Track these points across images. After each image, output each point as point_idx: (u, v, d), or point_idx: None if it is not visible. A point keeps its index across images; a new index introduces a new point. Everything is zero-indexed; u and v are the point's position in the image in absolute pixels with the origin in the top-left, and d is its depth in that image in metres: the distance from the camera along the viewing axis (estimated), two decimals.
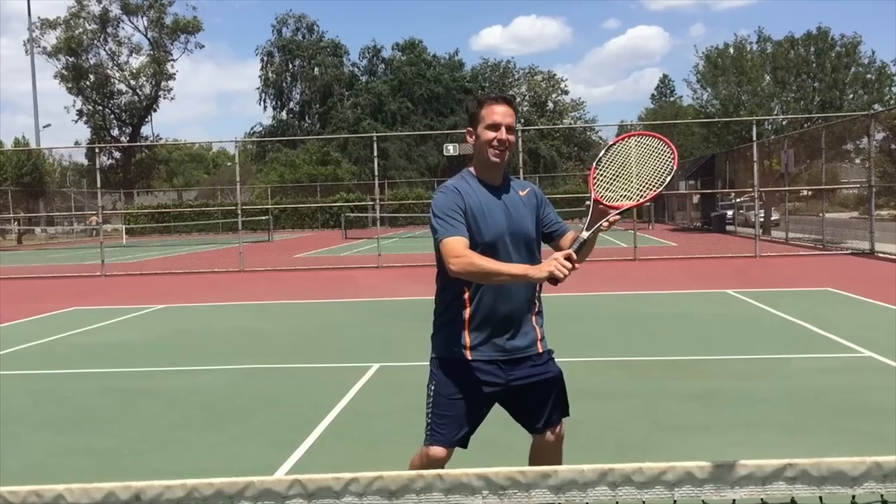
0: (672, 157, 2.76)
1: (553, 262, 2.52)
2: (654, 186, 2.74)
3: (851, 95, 30.45)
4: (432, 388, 2.91)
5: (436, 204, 2.82)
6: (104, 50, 60.93)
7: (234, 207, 28.01)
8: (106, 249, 19.92)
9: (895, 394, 5.55)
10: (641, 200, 2.74)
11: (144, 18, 61.36)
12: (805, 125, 28.26)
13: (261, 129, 63.95)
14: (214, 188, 61.10)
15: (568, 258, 2.51)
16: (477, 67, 67.60)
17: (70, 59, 58.94)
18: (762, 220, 23.96)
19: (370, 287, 14.29)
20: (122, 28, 61.36)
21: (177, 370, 7.40)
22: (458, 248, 2.71)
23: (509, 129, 2.85)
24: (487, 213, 2.83)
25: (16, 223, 43.47)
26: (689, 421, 5.15)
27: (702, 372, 6.61)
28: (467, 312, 2.86)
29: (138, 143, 57.92)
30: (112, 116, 62.91)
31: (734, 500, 1.32)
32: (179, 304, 12.70)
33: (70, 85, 59.47)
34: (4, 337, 9.54)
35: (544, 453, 3.00)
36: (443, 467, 2.44)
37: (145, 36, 62.14)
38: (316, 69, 63.15)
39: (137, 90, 62.19)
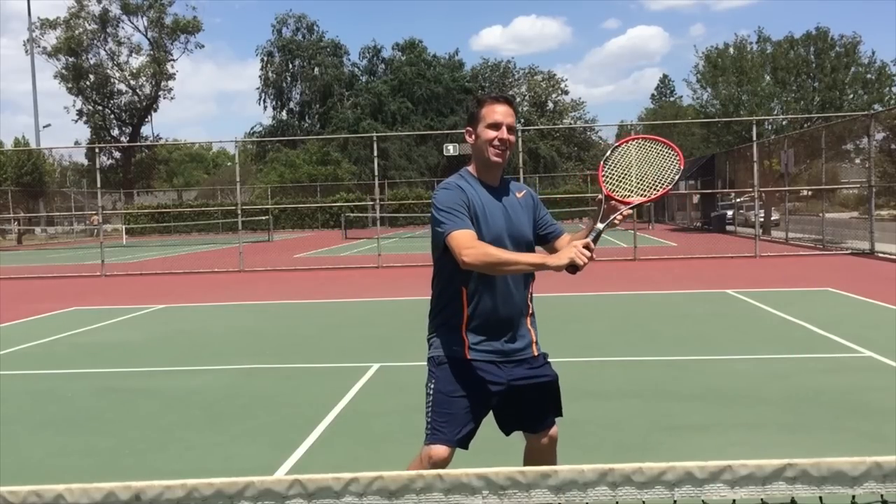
0: (678, 159, 2.85)
1: (573, 249, 2.51)
2: (663, 184, 2.81)
3: (851, 95, 30.46)
4: (432, 386, 2.86)
5: (440, 200, 2.79)
6: (104, 50, 61.06)
7: (234, 207, 28.01)
8: (106, 249, 19.92)
9: (895, 394, 5.55)
10: (653, 196, 2.80)
11: (144, 18, 61.47)
12: (805, 125, 28.27)
13: (261, 129, 63.98)
14: (214, 188, 61.11)
15: (586, 247, 2.51)
16: (477, 67, 67.67)
17: (70, 59, 58.96)
18: (762, 220, 23.96)
19: (370, 287, 14.29)
20: (122, 28, 61.51)
21: (177, 370, 7.40)
22: (468, 239, 2.67)
23: (510, 129, 2.84)
24: (489, 214, 2.81)
25: (16, 223, 43.47)
26: (689, 421, 5.15)
27: (702, 372, 6.61)
28: (465, 313, 2.83)
29: (138, 143, 57.92)
30: (112, 116, 62.93)
31: (734, 500, 1.32)
32: (179, 304, 12.70)
33: (70, 85, 59.50)
34: (4, 337, 9.54)
35: (539, 455, 2.99)
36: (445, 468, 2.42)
37: (145, 36, 62.27)
38: (316, 69, 63.15)
39: (137, 90, 62.27)
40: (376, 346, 8.16)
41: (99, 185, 22.47)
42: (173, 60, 63.30)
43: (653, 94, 72.10)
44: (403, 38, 65.21)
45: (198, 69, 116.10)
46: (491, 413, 2.96)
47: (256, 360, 7.62)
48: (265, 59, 64.27)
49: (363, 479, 1.30)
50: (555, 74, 71.28)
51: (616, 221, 2.73)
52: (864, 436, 4.69)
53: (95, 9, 59.51)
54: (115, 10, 60.04)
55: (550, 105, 70.26)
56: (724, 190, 29.36)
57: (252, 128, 65.51)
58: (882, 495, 1.30)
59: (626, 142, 2.97)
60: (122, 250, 30.72)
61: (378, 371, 6.92)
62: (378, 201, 23.19)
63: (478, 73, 66.68)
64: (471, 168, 2.94)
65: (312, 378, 6.93)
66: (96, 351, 8.55)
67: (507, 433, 3.05)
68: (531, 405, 2.95)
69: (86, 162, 56.59)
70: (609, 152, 2.93)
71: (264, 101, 64.74)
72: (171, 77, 62.93)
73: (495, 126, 2.82)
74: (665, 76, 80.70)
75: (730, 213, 31.04)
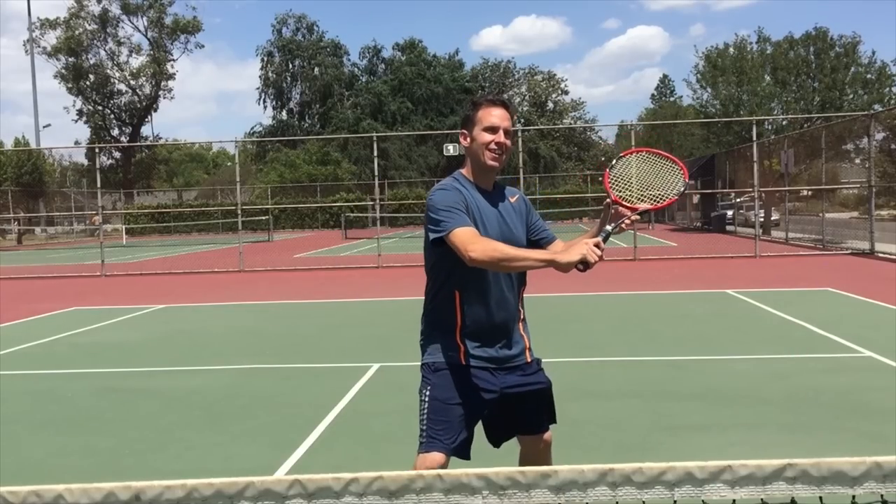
0: (683, 174, 2.92)
1: (584, 245, 2.49)
2: (668, 195, 2.86)
3: (851, 95, 30.48)
4: (427, 393, 2.77)
5: (437, 200, 2.72)
6: (104, 50, 61.04)
7: (234, 207, 28.01)
8: (106, 249, 19.92)
9: (895, 394, 5.55)
10: (660, 204, 2.83)
11: (144, 18, 61.46)
12: (805, 125, 28.27)
13: (261, 129, 63.98)
14: (214, 188, 61.10)
15: (597, 245, 2.50)
16: (477, 67, 67.62)
17: (70, 59, 58.95)
18: (762, 220, 23.96)
19: (370, 287, 14.29)
20: (122, 28, 61.49)
21: (177, 370, 7.39)
22: (473, 235, 2.60)
23: (507, 133, 2.79)
24: (485, 218, 2.76)
25: (16, 223, 43.48)
26: (689, 421, 5.15)
27: (702, 372, 6.61)
28: (458, 318, 2.77)
29: (138, 143, 57.91)
30: (112, 116, 62.93)
31: (734, 500, 1.32)
32: (179, 304, 12.70)
33: (70, 85, 59.49)
34: (4, 337, 9.54)
35: (534, 460, 2.94)
36: None
37: (145, 36, 62.27)
38: (316, 69, 63.16)
39: (137, 90, 62.26)
40: (376, 346, 8.16)
41: (99, 185, 22.47)
42: (173, 60, 63.38)
43: (653, 94, 72.09)
44: (403, 38, 65.33)
45: (198, 69, 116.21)
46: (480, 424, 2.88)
47: (256, 360, 7.62)
48: (265, 59, 64.34)
49: (363, 479, 1.30)
50: (555, 74, 71.30)
51: (625, 225, 2.73)
52: (864, 436, 4.69)
53: (95, 9, 59.60)
54: (114, 10, 60.15)
55: (550, 105, 70.23)
56: (724, 190, 29.35)
57: (252, 128, 65.61)
58: (882, 495, 1.30)
59: (634, 152, 3.00)
60: (122, 250, 30.72)
61: (378, 371, 6.92)
62: (378, 201, 23.19)
63: (478, 74, 66.66)
64: (465, 171, 2.87)
65: (312, 378, 6.93)
66: (96, 351, 8.55)
67: (497, 445, 2.98)
68: (525, 412, 2.90)
69: (86, 162, 56.60)
70: (615, 160, 2.94)
71: (264, 101, 64.85)
72: (171, 77, 62.97)
73: (492, 129, 2.77)
74: (665, 76, 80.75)
75: (730, 213, 31.04)
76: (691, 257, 18.59)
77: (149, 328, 10.10)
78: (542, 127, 59.52)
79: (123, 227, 43.58)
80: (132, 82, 61.76)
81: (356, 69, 65.94)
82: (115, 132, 63.10)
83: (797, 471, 1.30)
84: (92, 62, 60.45)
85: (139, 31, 62.15)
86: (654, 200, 2.85)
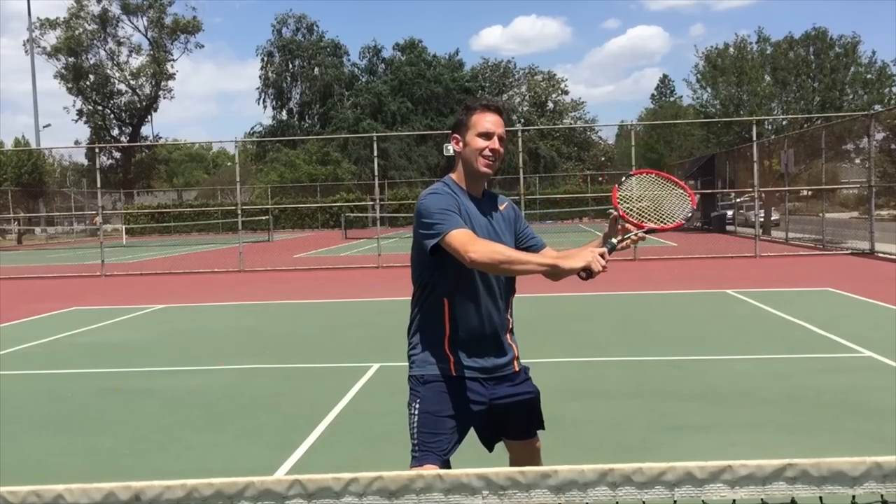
0: (691, 200, 2.89)
1: (590, 253, 2.47)
2: (675, 219, 2.83)
3: (851, 95, 30.49)
4: (416, 406, 2.70)
5: (429, 204, 2.63)
6: (104, 50, 61.06)
7: (234, 207, 28.01)
8: (106, 249, 19.93)
9: (895, 394, 5.55)
10: (667, 225, 2.79)
11: (144, 18, 61.48)
12: (805, 125, 28.28)
13: (261, 129, 63.97)
14: (214, 188, 61.08)
15: (602, 255, 2.49)
16: (477, 67, 67.60)
17: (70, 59, 58.97)
18: (762, 220, 23.96)
19: (370, 287, 14.29)
20: (122, 28, 61.53)
21: (177, 370, 7.39)
22: (470, 237, 2.52)
23: (501, 140, 2.72)
24: (476, 226, 2.68)
25: (16, 223, 43.48)
26: (689, 421, 5.15)
27: (702, 372, 6.61)
28: (447, 328, 2.71)
29: (138, 143, 57.94)
30: (112, 116, 62.95)
31: (734, 500, 1.32)
32: (179, 304, 12.70)
33: (70, 85, 59.51)
34: (4, 337, 9.54)
35: (523, 465, 2.91)
36: None
37: (145, 36, 62.28)
38: (316, 69, 63.15)
39: (137, 90, 62.28)
40: (376, 346, 8.16)
41: (99, 185, 22.48)
42: (173, 60, 63.41)
43: (653, 94, 72.10)
44: (403, 38, 65.29)
45: (198, 69, 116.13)
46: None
47: (256, 360, 7.63)
48: (265, 59, 64.32)
49: (363, 479, 1.30)
50: (555, 74, 71.26)
51: (632, 240, 2.68)
52: (864, 436, 4.69)
53: (95, 9, 59.61)
54: (114, 10, 60.17)
55: (550, 105, 70.21)
56: (724, 190, 29.36)
57: (252, 128, 65.61)
58: (882, 495, 1.30)
59: (645, 173, 2.98)
60: (122, 250, 30.72)
61: (378, 371, 6.92)
62: (378, 201, 23.19)
63: (478, 74, 66.65)
64: (455, 176, 2.79)
65: (312, 378, 6.93)
66: (96, 351, 8.55)
67: (491, 449, 2.97)
68: (513, 422, 2.87)
69: (86, 162, 56.60)
70: (625, 178, 2.92)
71: (264, 101, 64.81)
72: (171, 77, 63.00)
73: (486, 136, 2.69)
74: (665, 76, 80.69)
75: (730, 213, 31.04)
76: (691, 257, 18.59)
77: (149, 328, 10.11)
78: (542, 127, 59.51)
79: (123, 227, 43.58)
80: (132, 82, 61.81)
81: (356, 69, 65.96)
82: (115, 132, 63.13)
83: (797, 471, 1.30)
84: (92, 62, 60.50)
85: (139, 31, 62.28)
86: (661, 221, 2.81)
